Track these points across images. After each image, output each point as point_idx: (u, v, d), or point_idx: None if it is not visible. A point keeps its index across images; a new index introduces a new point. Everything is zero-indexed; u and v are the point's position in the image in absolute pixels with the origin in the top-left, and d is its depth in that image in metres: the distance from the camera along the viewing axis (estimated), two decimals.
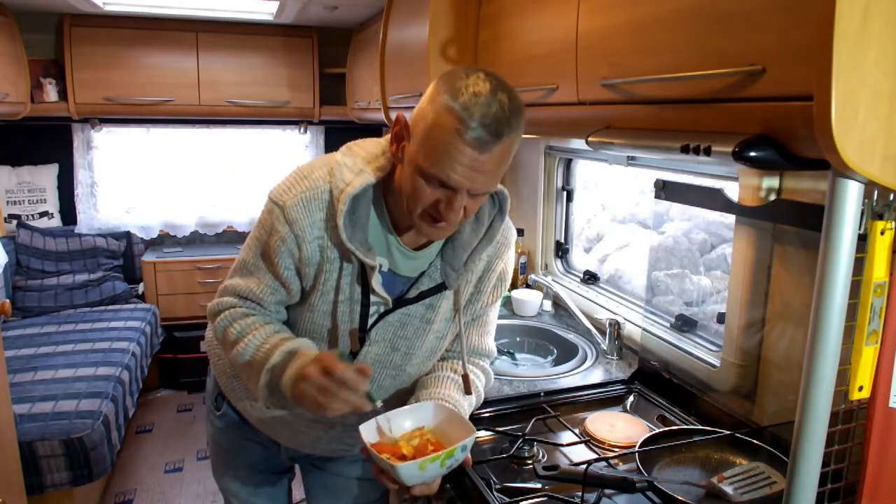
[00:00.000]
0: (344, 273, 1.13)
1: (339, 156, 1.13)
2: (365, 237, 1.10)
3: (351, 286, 1.14)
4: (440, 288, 1.19)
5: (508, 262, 1.28)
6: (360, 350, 1.20)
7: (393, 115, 2.51)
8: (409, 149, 1.02)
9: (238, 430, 1.43)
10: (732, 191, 1.44)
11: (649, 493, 1.19)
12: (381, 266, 1.14)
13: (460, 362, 1.28)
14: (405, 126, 1.04)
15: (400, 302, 1.18)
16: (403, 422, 1.12)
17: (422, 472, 1.00)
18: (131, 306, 3.60)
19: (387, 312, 1.18)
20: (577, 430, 1.49)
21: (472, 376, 1.26)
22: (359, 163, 1.11)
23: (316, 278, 1.14)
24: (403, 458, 1.03)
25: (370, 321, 1.18)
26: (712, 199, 1.52)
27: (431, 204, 1.01)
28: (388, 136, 1.13)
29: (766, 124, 0.84)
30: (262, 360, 1.12)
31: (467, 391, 1.23)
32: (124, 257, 3.84)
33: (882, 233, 0.85)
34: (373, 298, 1.15)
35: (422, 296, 1.18)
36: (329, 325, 1.18)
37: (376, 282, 1.12)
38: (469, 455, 1.08)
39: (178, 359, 3.77)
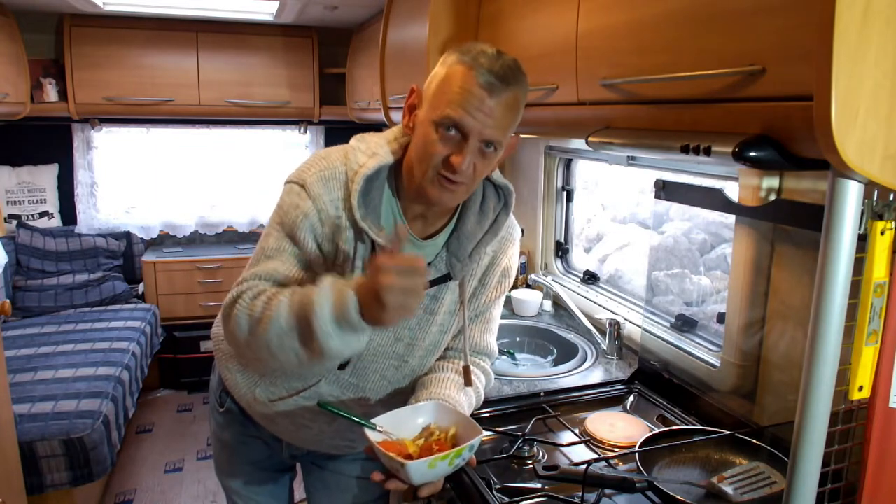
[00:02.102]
0: (358, 255, 1.15)
1: (353, 142, 1.18)
2: (377, 218, 1.13)
3: (364, 269, 1.15)
4: (445, 278, 1.21)
5: (513, 258, 1.30)
6: None
7: (393, 116, 2.53)
8: (421, 112, 1.09)
9: (241, 426, 1.44)
10: (732, 191, 1.44)
11: (649, 493, 1.19)
12: None
13: (460, 359, 1.28)
14: (418, 94, 1.11)
15: None
16: (407, 421, 1.12)
17: (431, 471, 1.00)
18: (131, 306, 3.60)
19: None
20: (577, 430, 1.49)
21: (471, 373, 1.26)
22: (372, 147, 1.16)
23: (334, 258, 1.17)
24: (410, 457, 1.03)
25: None
26: (712, 199, 1.52)
27: (443, 159, 1.04)
28: (396, 128, 1.19)
29: (766, 124, 0.84)
30: (304, 311, 1.02)
31: (467, 382, 1.24)
32: (124, 257, 3.84)
33: (882, 233, 0.85)
34: None
35: (426, 285, 1.19)
36: None
37: None
38: (474, 455, 1.08)
39: (178, 359, 3.76)
